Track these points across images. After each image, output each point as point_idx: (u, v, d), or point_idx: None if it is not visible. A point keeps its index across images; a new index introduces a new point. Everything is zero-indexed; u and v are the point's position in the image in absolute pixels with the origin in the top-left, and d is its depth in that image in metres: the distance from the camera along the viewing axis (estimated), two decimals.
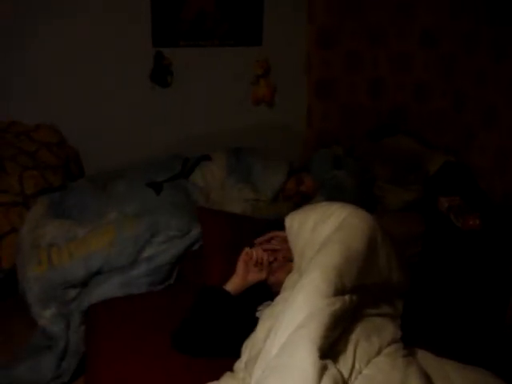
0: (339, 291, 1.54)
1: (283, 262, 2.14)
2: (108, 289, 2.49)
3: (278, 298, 1.86)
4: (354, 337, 1.55)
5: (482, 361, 1.84)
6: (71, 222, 2.72)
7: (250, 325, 1.86)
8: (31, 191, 2.89)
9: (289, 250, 2.09)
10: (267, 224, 2.44)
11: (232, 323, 2.00)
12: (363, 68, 3.81)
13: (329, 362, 1.36)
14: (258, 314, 1.96)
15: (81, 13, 3.19)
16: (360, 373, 1.47)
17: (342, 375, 1.39)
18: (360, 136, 3.88)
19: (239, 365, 1.78)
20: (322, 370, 1.31)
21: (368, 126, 3.92)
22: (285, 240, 2.14)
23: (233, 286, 2.11)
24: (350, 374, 1.44)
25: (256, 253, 2.16)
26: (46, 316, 2.52)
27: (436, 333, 2.15)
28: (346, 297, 1.56)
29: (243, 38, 3.56)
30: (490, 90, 3.19)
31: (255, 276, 2.14)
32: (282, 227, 2.30)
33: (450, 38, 3.56)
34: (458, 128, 3.55)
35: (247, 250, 2.18)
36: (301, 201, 3.12)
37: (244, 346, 1.82)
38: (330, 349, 1.43)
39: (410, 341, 1.74)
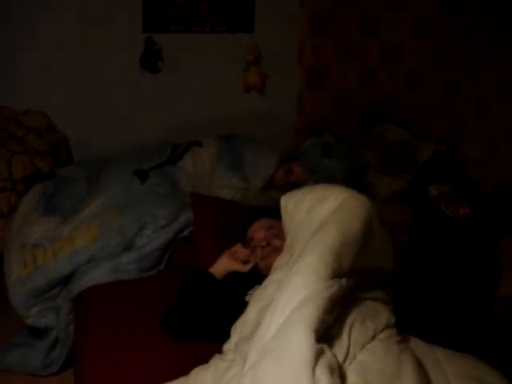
0: (336, 274, 1.53)
1: (276, 247, 2.14)
2: (97, 275, 2.49)
3: (268, 280, 1.86)
4: (348, 321, 1.55)
5: (471, 348, 1.85)
6: (58, 221, 2.71)
7: (240, 308, 1.87)
8: (20, 176, 2.88)
9: (284, 240, 2.10)
10: (253, 213, 2.44)
11: (220, 306, 2.02)
12: (355, 56, 3.80)
13: (324, 346, 1.36)
14: (247, 298, 1.97)
15: None
16: (354, 358, 1.47)
17: (336, 359, 1.39)
18: (351, 124, 3.88)
19: (228, 346, 1.79)
20: (318, 353, 1.31)
21: (359, 114, 3.92)
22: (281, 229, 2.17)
23: (214, 269, 2.20)
24: (345, 359, 1.44)
25: (242, 255, 2.25)
26: (32, 314, 2.52)
27: (425, 320, 2.16)
28: (343, 280, 1.55)
29: (235, 25, 3.54)
30: (481, 80, 3.19)
31: (236, 265, 2.22)
32: (270, 214, 2.32)
33: (441, 28, 3.57)
34: (449, 118, 3.56)
35: (239, 247, 2.28)
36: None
37: (233, 327, 1.82)
38: (325, 332, 1.43)
39: (401, 328, 1.75)
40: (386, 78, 3.88)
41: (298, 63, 3.74)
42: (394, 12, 3.69)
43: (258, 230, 2.25)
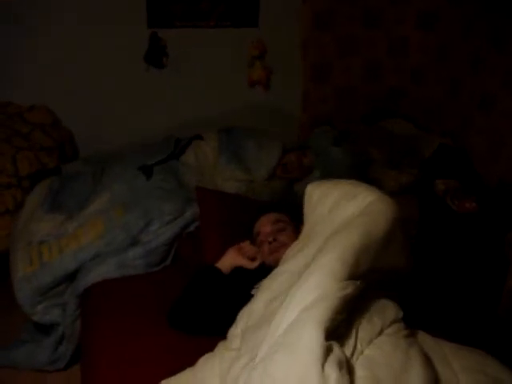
0: (352, 276, 1.53)
1: (283, 243, 2.14)
2: (104, 270, 2.49)
3: (278, 270, 1.86)
4: (356, 317, 1.55)
5: (478, 342, 1.85)
6: (63, 218, 2.71)
7: (246, 302, 1.86)
8: (25, 172, 2.88)
9: (291, 234, 2.13)
10: (260, 207, 2.44)
11: (226, 300, 2.02)
12: (359, 51, 3.80)
13: (334, 343, 1.37)
14: (253, 292, 1.97)
15: None
16: (362, 353, 1.47)
17: (344, 355, 1.39)
18: (355, 119, 3.87)
19: (234, 332, 1.78)
20: (328, 350, 1.32)
21: (363, 109, 3.92)
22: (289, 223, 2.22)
23: (221, 263, 2.20)
24: (352, 354, 1.44)
25: (250, 252, 2.25)
26: (38, 311, 2.52)
27: (432, 314, 2.15)
28: (358, 282, 1.55)
29: (239, 20, 3.53)
30: (486, 74, 3.18)
31: (243, 261, 2.21)
32: (277, 208, 2.32)
33: (446, 22, 3.55)
34: (454, 112, 3.55)
35: (247, 244, 2.28)
36: (302, 175, 3.13)
37: (240, 314, 1.82)
38: (334, 330, 1.43)
39: (409, 322, 1.75)
40: (390, 73, 3.87)
41: (302, 58, 3.73)
42: (398, 5, 3.67)
43: (265, 225, 2.25)
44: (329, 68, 3.78)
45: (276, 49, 3.65)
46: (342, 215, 1.78)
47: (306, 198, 2.04)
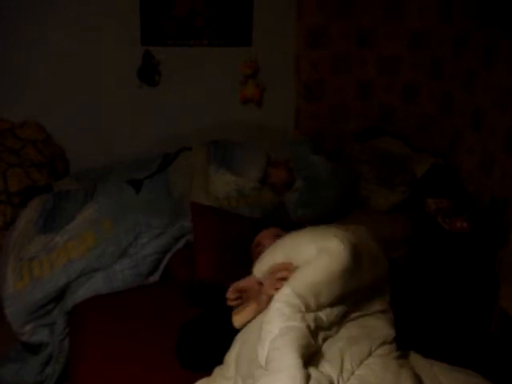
0: (311, 308, 1.57)
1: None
2: (93, 285, 2.48)
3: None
4: (340, 342, 1.56)
5: (471, 361, 1.84)
6: (54, 234, 2.67)
7: None
8: (15, 189, 2.86)
9: None
10: (264, 221, 2.46)
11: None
12: (351, 69, 3.82)
13: (312, 369, 1.39)
14: None
15: (68, 10, 3.16)
16: (352, 373, 1.47)
17: (327, 378, 1.40)
18: (347, 137, 3.89)
19: (229, 357, 1.75)
20: (308, 375, 1.35)
21: (355, 127, 3.93)
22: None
23: (241, 320, 1.84)
24: (341, 375, 1.43)
25: (242, 286, 1.90)
26: (26, 331, 2.47)
27: (424, 334, 2.14)
28: (321, 313, 1.59)
29: (233, 38, 3.54)
30: (478, 92, 3.19)
31: (263, 305, 1.79)
32: (278, 224, 2.36)
33: (438, 40, 3.59)
34: (446, 131, 3.57)
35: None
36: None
37: (237, 336, 1.79)
38: (315, 355, 1.47)
39: (400, 342, 1.74)
40: (382, 91, 3.90)
41: (295, 76, 3.75)
42: (390, 24, 3.71)
43: (267, 238, 2.24)
44: (322, 86, 3.80)
45: (269, 66, 3.66)
46: (301, 256, 1.80)
47: None
